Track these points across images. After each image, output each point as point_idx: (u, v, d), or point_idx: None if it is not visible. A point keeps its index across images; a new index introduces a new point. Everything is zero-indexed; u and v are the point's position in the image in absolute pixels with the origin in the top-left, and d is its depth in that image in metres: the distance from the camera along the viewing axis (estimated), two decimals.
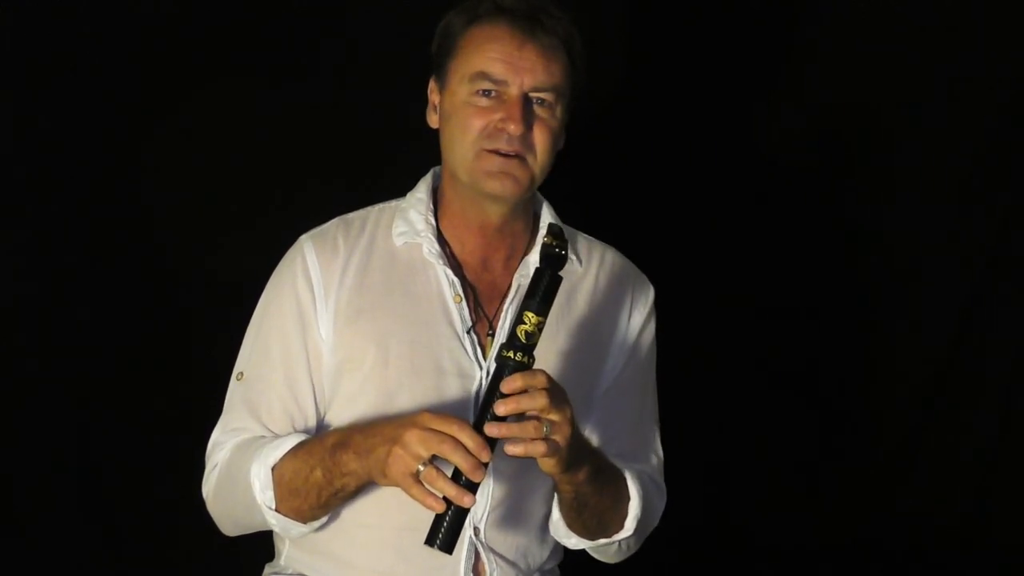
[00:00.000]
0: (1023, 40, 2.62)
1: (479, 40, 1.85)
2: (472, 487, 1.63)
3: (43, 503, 2.44)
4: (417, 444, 1.63)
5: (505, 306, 1.91)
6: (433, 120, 1.93)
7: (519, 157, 1.83)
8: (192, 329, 2.47)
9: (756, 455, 2.70)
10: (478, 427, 1.64)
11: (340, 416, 1.87)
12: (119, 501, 2.47)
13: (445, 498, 1.62)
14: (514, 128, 1.81)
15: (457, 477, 1.63)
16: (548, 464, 1.69)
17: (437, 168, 1.98)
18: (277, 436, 1.85)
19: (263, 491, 1.78)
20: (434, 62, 1.92)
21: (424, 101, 1.95)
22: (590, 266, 2.01)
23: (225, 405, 1.93)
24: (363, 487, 1.77)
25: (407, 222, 1.92)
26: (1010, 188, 2.66)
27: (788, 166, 2.66)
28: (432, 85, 1.93)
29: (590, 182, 2.52)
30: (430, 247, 1.90)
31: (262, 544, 2.04)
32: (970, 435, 2.72)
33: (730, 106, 2.62)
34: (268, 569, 2.02)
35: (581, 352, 1.95)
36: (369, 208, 1.98)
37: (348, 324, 1.87)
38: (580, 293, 1.98)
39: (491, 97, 1.83)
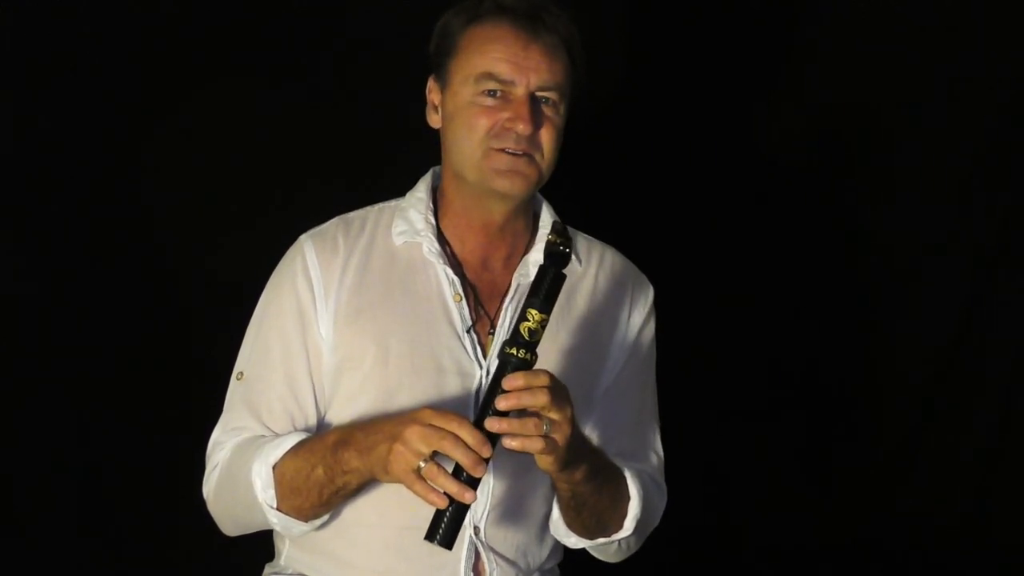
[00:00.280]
0: (1023, 40, 2.62)
1: (482, 40, 1.85)
2: (473, 483, 1.63)
3: (43, 503, 2.44)
4: (418, 440, 1.63)
5: (505, 305, 1.91)
6: (434, 120, 1.93)
7: (527, 155, 1.84)
8: (192, 329, 2.47)
9: (756, 455, 2.70)
10: (479, 423, 1.65)
11: (340, 415, 1.87)
12: (119, 501, 2.47)
13: (446, 494, 1.62)
14: (523, 128, 1.81)
15: (458, 473, 1.63)
16: (545, 462, 1.69)
17: (437, 168, 1.98)
18: (278, 435, 1.85)
19: (264, 490, 1.78)
20: (433, 62, 1.92)
21: (424, 101, 1.95)
22: (590, 266, 2.01)
23: (225, 404, 1.93)
24: (365, 485, 1.77)
25: (407, 221, 1.93)
26: (1010, 188, 2.66)
27: (788, 166, 2.66)
28: (431, 85, 1.93)
29: (590, 182, 2.52)
30: (430, 246, 1.90)
31: (262, 544, 2.04)
32: (970, 435, 2.72)
33: (730, 106, 2.62)
34: (268, 569, 2.02)
35: (581, 351, 1.95)
36: (369, 208, 1.98)
37: (348, 323, 1.87)
38: (580, 293, 1.98)
39: (497, 97, 1.84)
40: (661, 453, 2.04)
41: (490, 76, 1.83)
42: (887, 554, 2.73)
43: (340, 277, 1.89)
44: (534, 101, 1.83)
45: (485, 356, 1.89)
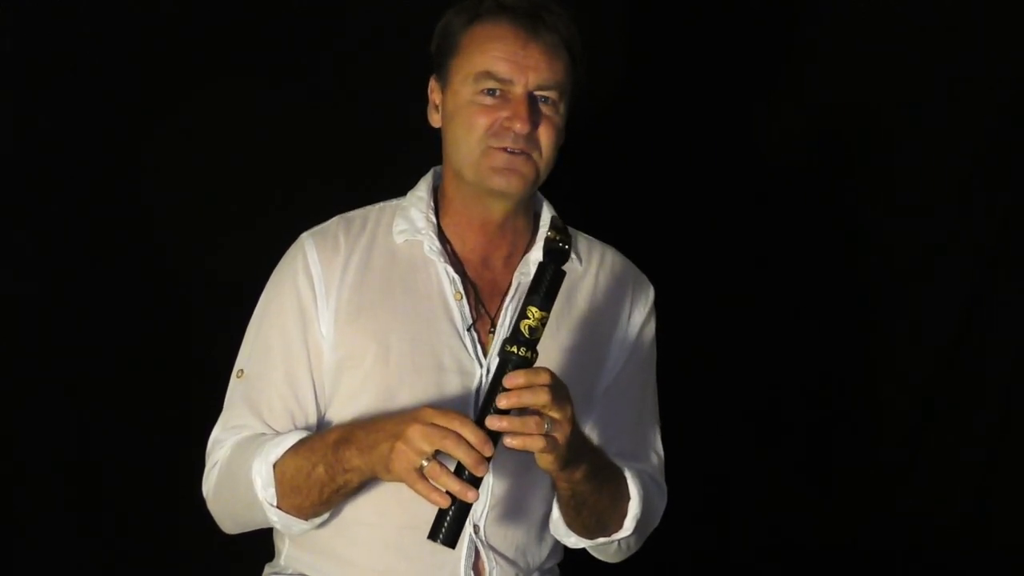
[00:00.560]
0: (1023, 40, 2.62)
1: (482, 39, 1.85)
2: (475, 482, 1.63)
3: (43, 503, 2.44)
4: (420, 440, 1.63)
5: (506, 304, 1.91)
6: (435, 119, 1.93)
7: (525, 154, 1.84)
8: (192, 329, 2.47)
9: (756, 455, 2.70)
10: (480, 421, 1.65)
11: (341, 413, 1.87)
12: (119, 501, 2.47)
13: (449, 493, 1.62)
14: (520, 127, 1.82)
15: (460, 472, 1.63)
16: (546, 461, 1.69)
17: (438, 167, 1.98)
18: (278, 433, 1.85)
19: (265, 488, 1.78)
20: (434, 61, 1.92)
21: (424, 101, 1.95)
22: (590, 266, 2.01)
23: (225, 402, 1.93)
24: (365, 483, 1.77)
25: (408, 220, 1.93)
26: (1010, 188, 2.66)
27: (788, 166, 2.66)
28: (433, 84, 1.93)
29: (590, 182, 2.52)
30: (431, 245, 1.90)
31: (262, 544, 2.04)
32: (970, 435, 2.72)
33: (730, 106, 2.62)
34: (268, 569, 2.02)
35: (581, 351, 1.95)
36: (370, 207, 1.98)
37: (349, 321, 1.87)
38: (580, 292, 1.98)
39: (496, 96, 1.84)
40: (661, 453, 2.04)
41: (489, 75, 1.83)
42: (887, 554, 2.73)
43: (341, 275, 1.89)
44: (533, 100, 1.83)
45: (485, 355, 1.89)
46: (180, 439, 2.16)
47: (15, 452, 2.41)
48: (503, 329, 1.89)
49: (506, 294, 1.92)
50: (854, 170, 2.67)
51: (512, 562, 1.92)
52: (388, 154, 2.47)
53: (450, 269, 1.90)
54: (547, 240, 1.70)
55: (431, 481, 1.63)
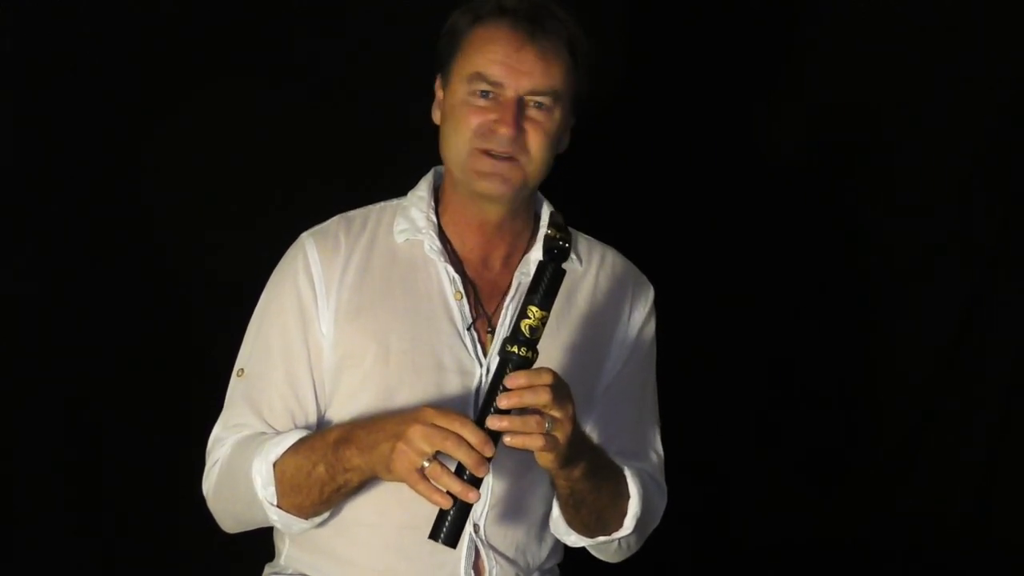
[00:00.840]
0: (1023, 40, 2.62)
1: (480, 40, 1.86)
2: (476, 482, 1.63)
3: (43, 503, 2.44)
4: (421, 440, 1.63)
5: (506, 304, 1.91)
6: (436, 116, 1.94)
7: (511, 159, 1.84)
8: (192, 329, 2.47)
9: (756, 455, 2.70)
10: (480, 421, 1.65)
11: (341, 412, 1.87)
12: (119, 501, 2.47)
13: (450, 493, 1.62)
14: (505, 131, 1.82)
15: (460, 472, 1.63)
16: (546, 459, 1.69)
17: (439, 167, 1.98)
18: (278, 432, 1.85)
19: (265, 487, 1.78)
20: (440, 59, 1.92)
21: (424, 99, 1.95)
22: (590, 266, 2.01)
23: (226, 401, 1.93)
24: (365, 483, 1.77)
25: (408, 219, 1.93)
26: (1010, 188, 2.66)
27: (788, 166, 2.66)
28: (438, 81, 1.94)
29: (590, 182, 2.52)
30: (431, 244, 1.90)
31: (262, 544, 2.04)
32: (970, 435, 2.72)
33: (730, 106, 2.62)
34: (268, 569, 2.02)
35: (582, 351, 1.95)
36: (370, 206, 1.99)
37: (349, 321, 1.87)
38: (580, 293, 1.98)
39: (489, 98, 1.84)
40: (661, 452, 2.04)
41: (481, 77, 1.84)
42: (887, 554, 2.73)
43: (341, 275, 1.89)
44: (522, 105, 1.83)
45: (485, 354, 1.89)
46: (180, 439, 2.16)
47: (15, 452, 2.41)
48: (503, 329, 1.90)
49: (506, 294, 1.93)
50: (854, 170, 2.67)
51: (512, 561, 1.92)
52: (388, 154, 2.47)
53: (450, 269, 1.90)
54: (546, 238, 1.70)
55: (432, 482, 1.63)
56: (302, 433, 1.81)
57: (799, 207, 2.66)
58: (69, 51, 2.38)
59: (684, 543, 2.59)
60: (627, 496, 1.87)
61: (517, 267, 1.94)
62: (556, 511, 1.90)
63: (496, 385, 1.66)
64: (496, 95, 1.84)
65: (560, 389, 1.67)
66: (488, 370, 1.88)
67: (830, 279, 2.69)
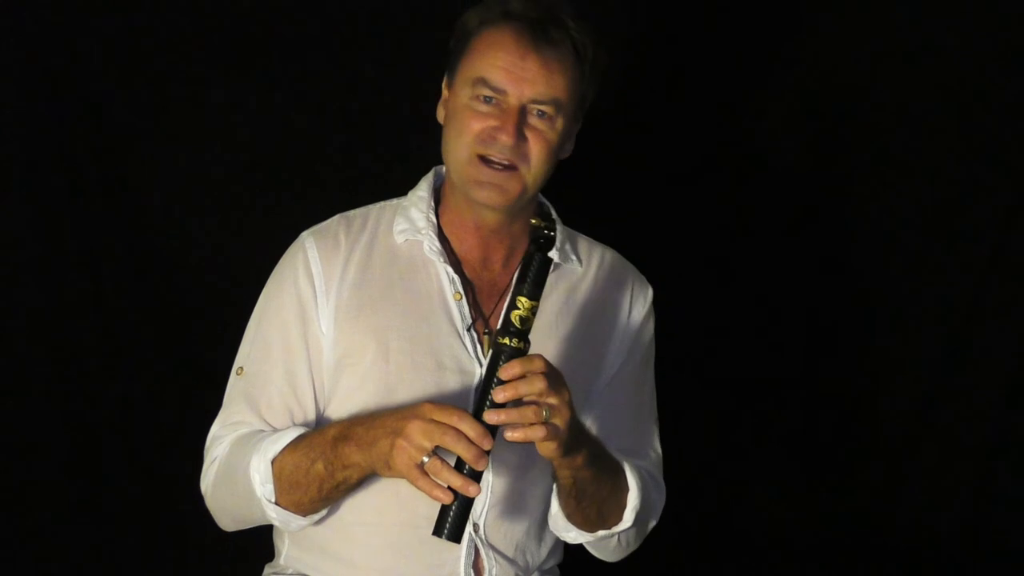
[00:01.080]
0: (1023, 40, 2.62)
1: (486, 45, 1.86)
2: (476, 476, 1.63)
3: (43, 503, 2.45)
4: (420, 436, 1.63)
5: (505, 304, 1.91)
6: (440, 115, 1.94)
7: (511, 168, 1.84)
8: (192, 329, 2.47)
9: (756, 454, 2.70)
10: (478, 415, 1.65)
11: (339, 411, 1.88)
12: (119, 501, 2.47)
13: (451, 488, 1.63)
14: (505, 139, 1.82)
15: (460, 467, 1.63)
16: (548, 448, 1.69)
17: (440, 167, 1.98)
18: (277, 430, 1.85)
19: (263, 484, 1.78)
20: (450, 59, 1.92)
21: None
22: (590, 266, 2.01)
23: (224, 399, 1.93)
24: (364, 481, 1.77)
25: (408, 219, 1.93)
26: (1010, 188, 2.66)
27: (787, 166, 2.66)
28: (445, 80, 1.94)
29: (590, 182, 2.52)
30: (431, 244, 1.90)
31: (262, 544, 2.04)
32: (970, 435, 2.72)
33: (729, 106, 2.62)
34: (268, 569, 2.02)
35: (581, 350, 1.95)
36: (370, 206, 1.99)
37: (349, 320, 1.87)
38: (580, 292, 1.98)
39: (491, 104, 1.84)
40: (660, 451, 2.04)
41: (485, 82, 1.83)
42: (887, 554, 2.73)
43: (341, 274, 1.89)
44: (524, 113, 1.83)
45: (484, 354, 1.89)
46: (180, 439, 2.17)
47: (15, 452, 2.41)
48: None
49: (504, 294, 1.92)
50: (854, 170, 2.67)
51: (512, 561, 1.92)
52: (388, 154, 2.47)
53: (450, 269, 1.90)
54: (532, 227, 1.70)
55: (432, 477, 1.63)
56: (300, 430, 1.81)
57: (798, 207, 2.66)
58: (69, 51, 2.37)
59: (684, 543, 2.59)
60: (626, 489, 1.87)
61: (516, 268, 1.94)
62: (555, 507, 1.90)
63: (491, 377, 1.66)
64: (499, 102, 1.83)
65: (554, 375, 1.67)
66: None
67: (830, 279, 2.69)
